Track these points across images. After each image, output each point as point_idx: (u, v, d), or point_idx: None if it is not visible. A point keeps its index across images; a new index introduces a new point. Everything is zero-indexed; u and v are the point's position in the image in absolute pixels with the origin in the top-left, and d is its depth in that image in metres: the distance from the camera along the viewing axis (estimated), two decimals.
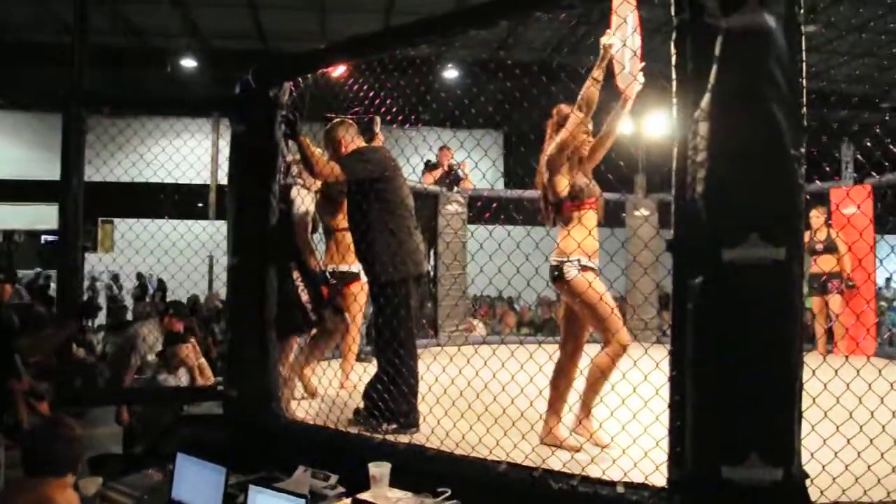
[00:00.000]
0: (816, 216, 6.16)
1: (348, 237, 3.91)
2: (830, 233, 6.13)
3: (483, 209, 6.57)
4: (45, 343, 3.91)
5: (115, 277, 12.73)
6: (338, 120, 3.56)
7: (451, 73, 13.43)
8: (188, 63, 13.99)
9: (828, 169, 5.62)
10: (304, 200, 3.72)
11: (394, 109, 3.51)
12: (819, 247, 6.17)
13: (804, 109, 1.96)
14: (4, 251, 18.39)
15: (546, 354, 2.78)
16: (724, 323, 1.91)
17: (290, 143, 3.43)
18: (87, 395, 4.29)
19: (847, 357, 2.39)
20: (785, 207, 1.90)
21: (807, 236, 6.06)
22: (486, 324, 9.47)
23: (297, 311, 3.39)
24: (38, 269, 14.39)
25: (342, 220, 4.05)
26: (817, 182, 6.21)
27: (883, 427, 2.26)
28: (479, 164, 3.62)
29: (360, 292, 4.27)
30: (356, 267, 4.04)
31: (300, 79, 3.37)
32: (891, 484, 2.04)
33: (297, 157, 3.57)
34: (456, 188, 6.50)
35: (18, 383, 6.12)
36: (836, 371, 2.17)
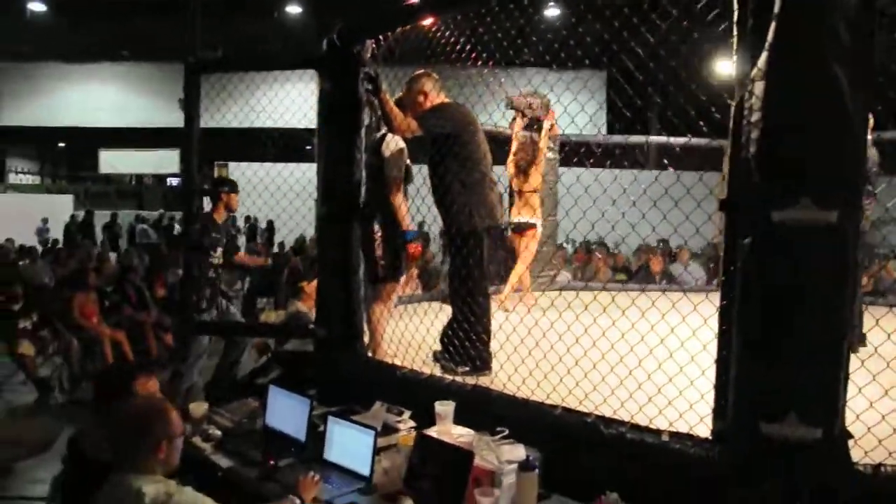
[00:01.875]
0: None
1: (528, 196, 5.68)
2: None
3: (584, 153, 6.47)
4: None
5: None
6: (422, 71, 3.60)
7: (553, 12, 13.09)
8: (293, 9, 14.44)
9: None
10: (392, 144, 3.63)
11: (493, 50, 3.50)
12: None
13: (873, 66, 1.90)
14: (137, 193, 20.08)
15: (629, 300, 2.79)
16: (771, 283, 1.93)
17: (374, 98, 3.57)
18: (203, 329, 4.84)
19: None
20: (841, 170, 1.87)
21: None
22: (579, 271, 9.49)
23: (371, 263, 3.57)
24: (162, 211, 15.66)
25: (526, 184, 5.67)
26: None
27: None
28: (584, 105, 3.54)
29: (531, 239, 5.70)
30: (526, 217, 5.66)
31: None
32: None
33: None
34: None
35: (147, 315, 6.86)
36: (889, 335, 2.13)
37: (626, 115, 3.43)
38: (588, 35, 3.62)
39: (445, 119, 3.36)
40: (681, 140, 6.07)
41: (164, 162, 18.00)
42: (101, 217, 16.06)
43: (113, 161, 18.56)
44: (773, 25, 1.91)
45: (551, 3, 13.00)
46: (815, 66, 1.86)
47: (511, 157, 5.81)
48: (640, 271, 8.88)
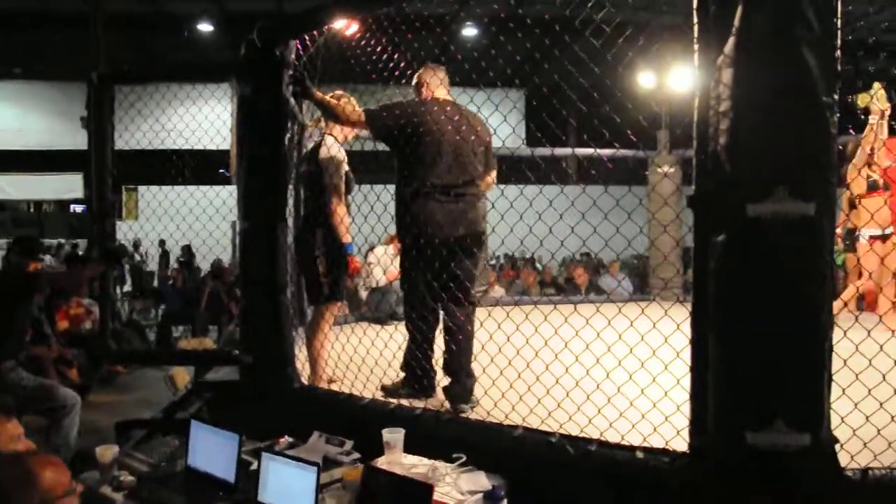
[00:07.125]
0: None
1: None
2: None
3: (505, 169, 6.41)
4: (73, 277, 4.28)
5: (136, 244, 12.85)
6: (429, 64, 3.25)
7: (469, 32, 13.13)
8: (204, 27, 13.91)
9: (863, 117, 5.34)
10: (332, 149, 3.35)
11: (408, 72, 3.36)
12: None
13: (838, 52, 1.82)
14: (36, 220, 18.71)
15: (561, 316, 2.63)
16: (748, 282, 1.80)
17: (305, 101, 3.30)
18: (117, 359, 4.38)
19: (881, 317, 2.27)
20: (815, 159, 1.77)
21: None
22: (508, 286, 9.42)
23: (315, 282, 3.29)
24: (61, 241, 14.69)
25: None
26: (851, 132, 5.88)
27: None
28: (503, 123, 3.41)
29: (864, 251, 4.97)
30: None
31: (309, 39, 3.26)
32: None
33: (318, 115, 3.45)
34: None
35: (47, 350, 6.23)
36: (869, 332, 2.06)
37: (545, 129, 3.31)
38: (504, 55, 3.53)
39: (389, 116, 2.98)
40: (605, 151, 6.12)
41: (67, 187, 16.88)
42: None
43: (7, 187, 17.23)
44: (739, 9, 1.80)
45: (468, 24, 13.04)
46: (785, 50, 1.76)
47: None
48: (569, 284, 8.91)
